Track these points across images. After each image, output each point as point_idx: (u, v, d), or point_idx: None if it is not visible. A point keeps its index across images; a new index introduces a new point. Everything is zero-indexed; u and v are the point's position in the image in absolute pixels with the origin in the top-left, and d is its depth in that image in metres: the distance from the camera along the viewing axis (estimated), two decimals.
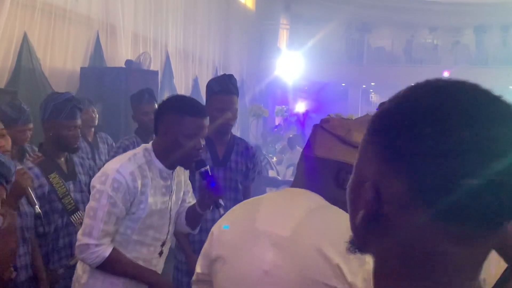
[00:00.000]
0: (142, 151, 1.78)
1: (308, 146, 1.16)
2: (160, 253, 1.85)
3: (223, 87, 2.31)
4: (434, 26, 14.86)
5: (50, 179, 2.11)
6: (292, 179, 3.25)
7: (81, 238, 1.67)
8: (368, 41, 14.90)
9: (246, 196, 2.46)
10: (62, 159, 2.25)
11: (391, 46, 15.06)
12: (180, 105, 1.77)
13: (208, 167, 1.87)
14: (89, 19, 5.01)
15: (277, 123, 13.19)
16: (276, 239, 1.01)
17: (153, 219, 1.77)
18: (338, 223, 0.94)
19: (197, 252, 2.28)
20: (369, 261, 0.79)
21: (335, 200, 1.08)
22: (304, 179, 1.12)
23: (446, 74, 12.59)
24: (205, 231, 2.30)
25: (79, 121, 2.26)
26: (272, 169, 6.98)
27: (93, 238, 1.65)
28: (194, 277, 1.16)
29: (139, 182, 1.70)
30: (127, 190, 1.67)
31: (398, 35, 15.00)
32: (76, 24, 4.76)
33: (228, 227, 1.09)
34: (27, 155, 2.38)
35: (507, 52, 13.23)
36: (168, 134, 1.75)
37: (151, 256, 1.81)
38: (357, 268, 0.96)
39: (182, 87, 7.66)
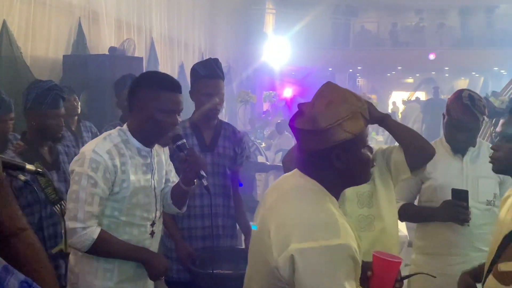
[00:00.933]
0: (117, 131, 1.77)
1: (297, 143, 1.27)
2: (152, 234, 1.83)
3: (209, 71, 2.26)
4: (419, 8, 14.88)
5: None
6: (281, 164, 3.25)
7: (67, 223, 1.65)
8: (354, 25, 14.89)
9: (234, 181, 2.44)
10: (46, 148, 2.20)
11: (377, 29, 15.07)
12: (156, 81, 1.75)
13: (184, 140, 1.85)
14: (71, 6, 4.90)
15: (265, 109, 13.17)
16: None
17: (138, 198, 1.75)
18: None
19: (186, 239, 2.28)
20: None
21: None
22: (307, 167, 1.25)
23: (432, 56, 12.65)
24: (193, 217, 2.30)
25: (62, 110, 2.22)
26: (261, 154, 6.98)
27: (79, 221, 1.63)
28: None
29: (117, 160, 1.68)
30: (106, 169, 1.66)
31: (383, 19, 15.00)
32: (57, 11, 4.65)
33: None
34: (10, 144, 2.33)
35: (492, 34, 13.33)
36: (143, 111, 1.72)
37: (143, 237, 1.79)
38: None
39: (168, 73, 7.57)
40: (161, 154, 1.92)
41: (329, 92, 1.22)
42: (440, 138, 2.30)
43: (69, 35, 4.89)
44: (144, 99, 1.72)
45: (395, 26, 14.62)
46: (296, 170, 1.26)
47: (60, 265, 2.19)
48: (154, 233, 1.84)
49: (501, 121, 1.66)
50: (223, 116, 8.91)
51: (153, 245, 1.87)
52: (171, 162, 2.01)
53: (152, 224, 1.83)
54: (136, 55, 5.63)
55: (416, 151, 1.88)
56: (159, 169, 1.87)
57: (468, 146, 2.21)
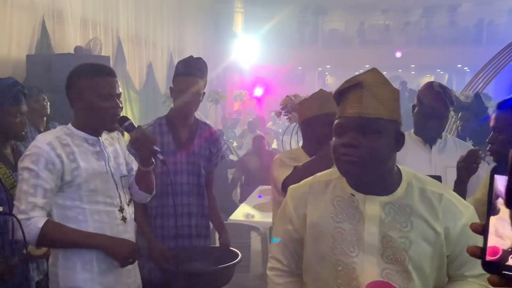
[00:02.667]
0: (59, 128, 1.78)
1: None
2: (123, 219, 1.80)
3: (185, 69, 2.24)
4: (385, 7, 15.16)
5: None
6: None
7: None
8: (323, 24, 15.03)
9: (208, 181, 2.42)
10: (9, 149, 2.13)
11: (345, 28, 15.26)
12: (88, 69, 1.76)
13: (131, 120, 1.85)
14: (33, 4, 4.75)
15: (235, 108, 13.15)
16: None
17: (96, 184, 1.73)
18: None
19: (159, 237, 2.25)
20: None
21: None
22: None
23: (398, 54, 12.92)
24: (166, 216, 2.27)
25: (24, 107, 2.15)
26: (232, 153, 6.97)
27: (22, 213, 1.60)
28: None
29: (60, 151, 1.66)
30: (48, 159, 1.63)
31: (351, 18, 15.21)
32: (19, 9, 4.51)
33: None
34: None
35: (454, 32, 13.71)
36: (82, 100, 1.72)
37: (115, 222, 1.77)
38: None
39: (136, 73, 7.46)
40: (116, 144, 1.91)
41: None
42: (409, 132, 2.35)
43: (32, 34, 4.76)
44: (80, 89, 1.72)
45: (362, 25, 14.86)
46: None
47: (29, 269, 2.12)
48: (125, 218, 1.81)
49: (492, 115, 1.78)
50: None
51: (128, 231, 1.83)
52: (130, 154, 1.99)
53: (121, 210, 1.80)
54: (103, 54, 5.52)
55: None
56: (115, 157, 1.85)
57: (438, 135, 2.28)
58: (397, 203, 1.22)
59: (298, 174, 1.80)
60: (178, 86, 2.25)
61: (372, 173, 1.20)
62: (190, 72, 2.24)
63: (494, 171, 0.59)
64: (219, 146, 2.44)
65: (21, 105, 2.11)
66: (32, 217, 1.60)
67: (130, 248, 1.75)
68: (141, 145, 1.79)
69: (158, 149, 1.82)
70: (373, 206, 1.22)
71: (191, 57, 2.32)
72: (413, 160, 2.23)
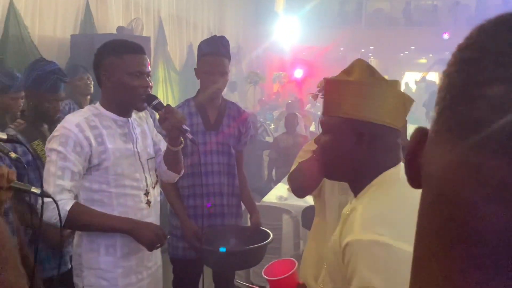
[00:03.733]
0: (87, 107, 1.78)
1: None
2: (148, 203, 1.81)
3: (212, 49, 2.22)
4: None
5: (34, 146, 2.08)
6: None
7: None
8: (367, 3, 14.61)
9: (239, 161, 2.44)
10: (46, 126, 2.20)
11: (390, 8, 14.77)
12: (117, 46, 1.73)
13: (159, 99, 1.81)
14: None
15: (275, 90, 13.08)
16: None
17: (123, 167, 1.73)
18: None
19: (191, 217, 2.29)
20: None
21: None
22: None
23: (446, 36, 12.40)
24: (199, 196, 2.30)
25: (62, 94, 2.20)
26: (268, 135, 6.96)
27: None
28: None
29: (88, 133, 1.66)
30: (77, 141, 1.64)
31: None
32: None
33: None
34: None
35: (507, 11, 12.98)
36: (111, 79, 1.71)
37: (139, 206, 1.77)
38: None
39: (177, 54, 7.54)
40: (144, 124, 1.90)
41: None
42: None
43: (76, 15, 4.88)
44: (109, 68, 1.71)
45: (408, 5, 14.33)
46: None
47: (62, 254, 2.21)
48: (150, 202, 1.82)
49: None
50: (235, 96, 8.86)
51: (152, 214, 1.84)
52: (158, 134, 2.00)
53: (146, 194, 1.81)
54: (144, 34, 5.60)
55: None
56: (143, 138, 1.85)
57: None
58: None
59: (299, 170, 1.76)
60: (205, 67, 2.23)
61: (334, 174, 1.12)
62: (215, 52, 2.22)
63: None
64: (248, 125, 2.44)
65: (58, 93, 2.17)
66: (60, 199, 1.60)
67: (155, 232, 1.73)
68: (169, 124, 1.77)
69: (187, 128, 1.80)
70: (333, 208, 1.17)
71: (214, 36, 2.30)
72: None
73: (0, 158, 1.84)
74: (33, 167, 2.01)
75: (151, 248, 1.73)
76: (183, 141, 1.88)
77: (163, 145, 1.95)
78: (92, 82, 3.75)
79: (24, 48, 4.00)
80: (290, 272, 1.25)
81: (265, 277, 1.28)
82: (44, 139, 2.14)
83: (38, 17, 4.29)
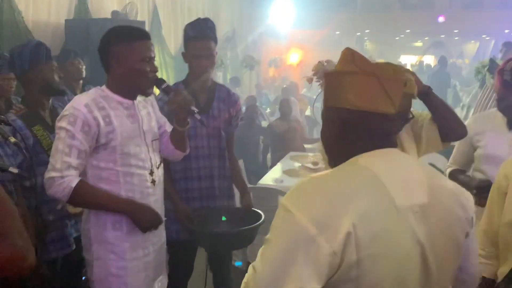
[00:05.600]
0: (93, 90, 1.82)
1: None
2: (153, 182, 1.88)
3: (198, 32, 2.23)
4: None
5: (34, 131, 2.11)
6: None
7: (46, 174, 1.70)
8: None
9: (229, 143, 2.47)
10: (47, 110, 2.23)
11: None
12: (124, 33, 1.78)
13: (167, 82, 1.89)
14: None
15: (271, 74, 13.07)
16: (418, 209, 1.01)
17: (130, 147, 1.79)
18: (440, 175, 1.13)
19: (183, 199, 2.32)
20: None
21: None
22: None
23: (441, 19, 12.37)
24: (190, 179, 2.34)
25: (55, 63, 2.23)
26: (265, 120, 6.99)
27: (56, 171, 1.67)
28: None
29: (96, 113, 1.72)
30: (85, 121, 1.69)
31: None
32: None
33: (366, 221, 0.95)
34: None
35: None
36: (121, 65, 1.76)
37: (144, 185, 1.84)
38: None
39: (172, 38, 7.51)
40: (149, 106, 1.95)
41: None
42: (494, 110, 2.19)
43: None
44: (118, 54, 1.75)
45: None
46: (385, 151, 1.09)
47: (66, 225, 2.26)
48: (155, 181, 1.89)
49: None
50: (238, 92, 8.85)
51: (157, 193, 1.92)
52: (162, 116, 2.04)
53: (151, 173, 1.87)
54: (138, 19, 5.58)
55: (452, 130, 1.91)
56: (148, 120, 1.91)
57: None
58: None
59: None
60: (193, 51, 2.25)
61: (330, 162, 1.14)
62: (203, 36, 2.24)
63: None
64: (238, 108, 2.46)
65: (53, 61, 2.19)
66: (65, 175, 1.68)
67: (152, 217, 1.82)
68: (179, 106, 1.85)
69: (195, 109, 1.87)
70: None
71: (199, 19, 2.30)
72: (493, 139, 2.11)
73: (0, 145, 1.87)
74: (36, 151, 2.05)
75: (145, 230, 1.82)
76: (189, 122, 1.94)
77: (168, 127, 2.02)
78: (84, 66, 3.76)
79: (18, 33, 3.99)
80: None
81: None
82: (44, 124, 2.17)
83: (32, 1, 4.28)
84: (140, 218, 1.80)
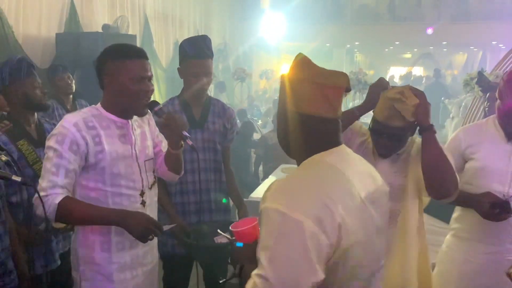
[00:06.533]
0: (88, 108, 1.80)
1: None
2: (143, 203, 1.83)
3: (197, 51, 2.24)
4: None
5: (19, 146, 2.08)
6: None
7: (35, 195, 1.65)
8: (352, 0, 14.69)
9: (225, 157, 2.46)
10: (32, 125, 2.21)
11: (375, 3, 14.88)
12: (119, 51, 1.75)
13: (161, 105, 1.85)
14: None
15: (262, 86, 13.11)
16: (371, 197, 1.16)
17: (120, 168, 1.75)
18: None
19: (179, 213, 2.31)
20: None
21: None
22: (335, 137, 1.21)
23: (430, 31, 12.54)
24: (186, 193, 2.33)
25: (38, 79, 2.20)
26: (256, 132, 6.99)
27: (42, 190, 1.63)
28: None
29: (85, 133, 1.69)
30: (73, 140, 1.66)
31: None
32: None
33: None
34: None
35: (490, 7, 13.16)
36: (114, 83, 1.73)
37: (133, 206, 1.80)
38: None
39: (163, 51, 7.53)
40: (145, 126, 1.93)
41: None
42: (494, 116, 2.06)
43: (61, 13, 4.86)
44: (112, 72, 1.72)
45: (393, 1, 14.44)
46: (343, 149, 1.22)
47: (51, 241, 2.23)
48: (145, 202, 1.84)
49: None
50: (224, 97, 8.86)
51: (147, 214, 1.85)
52: (160, 134, 2.02)
53: (142, 194, 1.83)
54: (130, 32, 5.59)
55: (434, 184, 1.71)
56: (142, 139, 1.87)
57: None
58: None
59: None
60: (192, 70, 2.25)
61: (291, 153, 1.25)
62: (202, 55, 2.24)
63: None
64: (233, 121, 2.46)
65: (36, 77, 2.17)
66: (50, 194, 1.63)
67: (145, 223, 1.66)
68: (170, 130, 1.82)
69: (187, 134, 1.84)
70: None
71: (197, 37, 2.31)
72: (489, 151, 2.01)
73: None
74: (20, 166, 2.02)
75: (142, 239, 1.69)
76: (183, 144, 1.91)
77: (164, 146, 1.98)
78: (73, 81, 3.74)
79: (8, 47, 3.97)
80: (252, 224, 1.40)
81: (231, 229, 1.44)
82: (29, 138, 2.14)
83: (22, 15, 4.26)
84: (132, 225, 1.65)
